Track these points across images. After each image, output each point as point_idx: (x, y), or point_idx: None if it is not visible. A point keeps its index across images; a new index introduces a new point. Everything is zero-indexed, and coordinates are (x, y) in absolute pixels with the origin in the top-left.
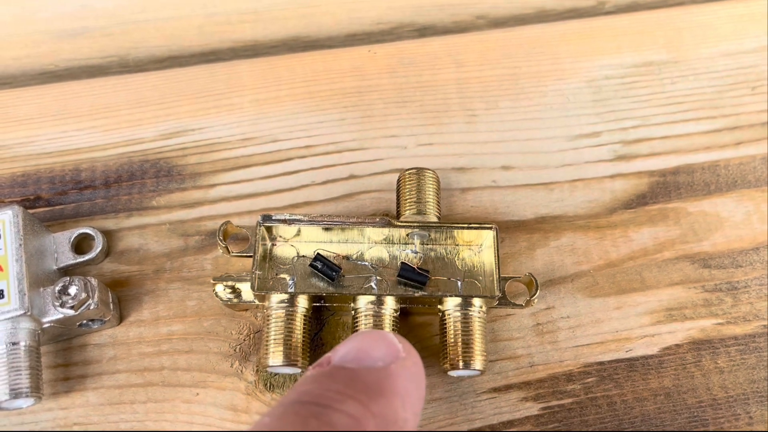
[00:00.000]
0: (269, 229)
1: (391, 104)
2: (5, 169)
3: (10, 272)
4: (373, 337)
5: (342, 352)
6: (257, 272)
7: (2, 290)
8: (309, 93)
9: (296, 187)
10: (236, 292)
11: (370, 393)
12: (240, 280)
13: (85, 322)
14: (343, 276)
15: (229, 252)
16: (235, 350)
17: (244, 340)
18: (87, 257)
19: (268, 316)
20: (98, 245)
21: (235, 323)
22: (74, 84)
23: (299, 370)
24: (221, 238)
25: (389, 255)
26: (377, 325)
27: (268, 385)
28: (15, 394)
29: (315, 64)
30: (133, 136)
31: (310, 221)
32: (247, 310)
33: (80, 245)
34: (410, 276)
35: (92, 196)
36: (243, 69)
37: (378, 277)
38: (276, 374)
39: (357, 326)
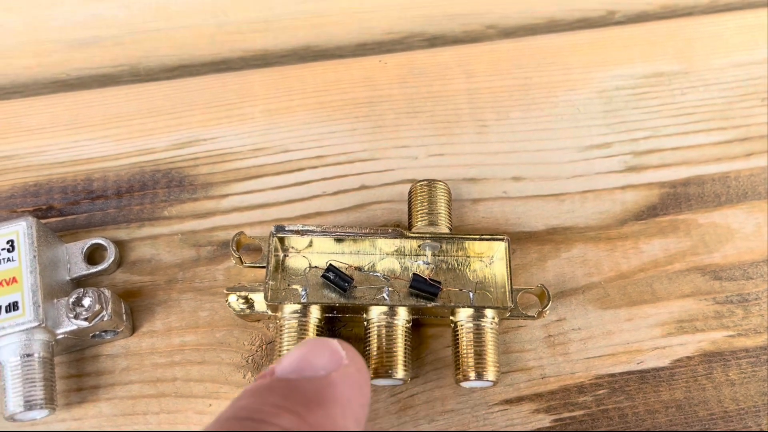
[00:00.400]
0: (282, 240)
1: (402, 114)
2: (18, 178)
3: (25, 284)
4: (316, 345)
5: (285, 363)
6: (270, 283)
7: (17, 302)
8: (320, 103)
9: (307, 197)
10: (249, 302)
11: (309, 404)
12: (253, 290)
13: (98, 333)
14: (355, 287)
15: (242, 262)
16: (247, 361)
17: (257, 351)
18: (99, 268)
19: (281, 327)
20: (111, 256)
21: (247, 334)
22: (86, 93)
23: None
24: (234, 248)
25: (401, 266)
26: (390, 336)
27: None
28: (29, 405)
29: (326, 74)
30: (145, 146)
31: (323, 232)
32: (259, 320)
33: (92, 255)
34: (422, 287)
35: (104, 206)
36: (254, 79)
37: (390, 288)
38: None
39: (369, 337)
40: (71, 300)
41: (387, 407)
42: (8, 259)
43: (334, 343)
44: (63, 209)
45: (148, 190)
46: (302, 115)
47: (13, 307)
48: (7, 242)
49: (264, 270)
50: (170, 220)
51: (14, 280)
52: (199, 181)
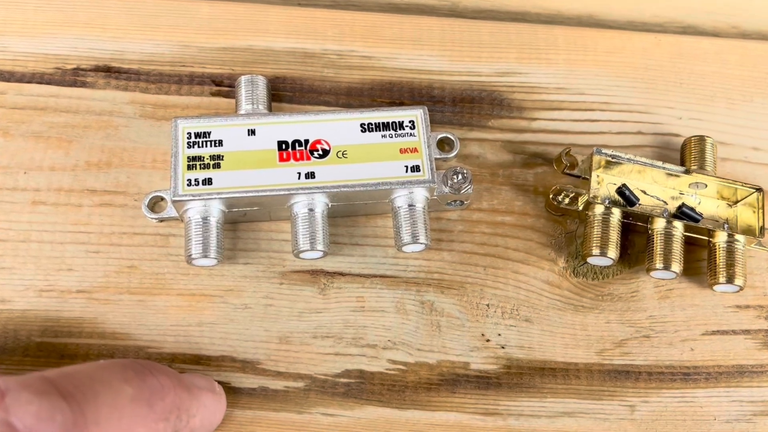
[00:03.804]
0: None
1: (670, 83)
2: (376, 76)
3: (423, 153)
4: (204, 376)
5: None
6: (596, 186)
7: (418, 165)
8: (607, 62)
9: (596, 132)
10: (572, 199)
11: (180, 385)
12: (578, 192)
13: (453, 201)
14: (640, 205)
15: (566, 169)
16: (551, 243)
17: (558, 236)
18: (449, 155)
19: (593, 221)
20: (456, 147)
21: (550, 224)
22: (428, 19)
23: (611, 262)
24: (565, 157)
25: (673, 197)
26: (667, 241)
27: (575, 272)
28: (415, 239)
29: (613, 40)
30: (473, 69)
31: (629, 159)
32: (561, 215)
33: (440, 144)
34: (688, 213)
35: (443, 109)
36: (558, 33)
37: (666, 209)
38: (583, 264)
39: (652, 243)
40: (450, 172)
41: (651, 294)
42: (411, 134)
43: (214, 381)
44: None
45: (475, 104)
46: (594, 68)
47: (415, 168)
48: (409, 121)
49: (568, 178)
50: (492, 129)
51: (415, 150)
52: (515, 104)
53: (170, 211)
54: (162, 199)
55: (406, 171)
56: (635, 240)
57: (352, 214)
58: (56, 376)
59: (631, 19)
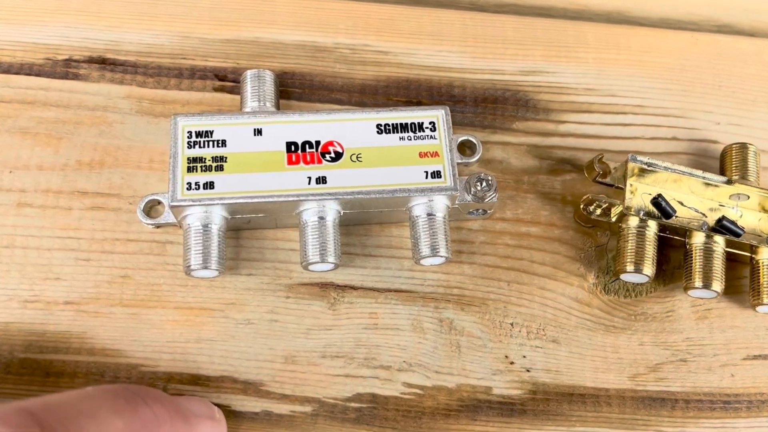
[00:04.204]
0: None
1: (708, 86)
2: (392, 72)
3: (445, 158)
4: (202, 400)
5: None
6: (629, 196)
7: (439, 171)
8: (641, 61)
9: (629, 137)
10: (605, 211)
11: (177, 415)
12: (611, 202)
13: (475, 210)
14: (677, 217)
15: (598, 177)
16: (580, 257)
17: (588, 250)
18: (471, 160)
19: (627, 234)
20: (479, 151)
21: (579, 236)
22: (448, 12)
23: (646, 279)
24: (597, 164)
25: (712, 209)
26: (707, 258)
27: (606, 288)
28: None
29: (647, 38)
30: (496, 67)
31: (666, 168)
32: (592, 226)
33: (460, 147)
34: (729, 227)
35: (463, 110)
36: (587, 30)
37: (705, 222)
38: (614, 281)
39: (691, 259)
40: (473, 179)
41: (688, 314)
42: (431, 137)
43: (214, 407)
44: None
45: (498, 104)
46: (626, 68)
47: (436, 174)
48: (430, 123)
49: (599, 186)
50: (517, 132)
51: (436, 154)
52: (541, 106)
53: (168, 216)
54: (159, 203)
55: (426, 177)
56: (671, 255)
57: (365, 222)
58: (37, 408)
59: (665, 17)
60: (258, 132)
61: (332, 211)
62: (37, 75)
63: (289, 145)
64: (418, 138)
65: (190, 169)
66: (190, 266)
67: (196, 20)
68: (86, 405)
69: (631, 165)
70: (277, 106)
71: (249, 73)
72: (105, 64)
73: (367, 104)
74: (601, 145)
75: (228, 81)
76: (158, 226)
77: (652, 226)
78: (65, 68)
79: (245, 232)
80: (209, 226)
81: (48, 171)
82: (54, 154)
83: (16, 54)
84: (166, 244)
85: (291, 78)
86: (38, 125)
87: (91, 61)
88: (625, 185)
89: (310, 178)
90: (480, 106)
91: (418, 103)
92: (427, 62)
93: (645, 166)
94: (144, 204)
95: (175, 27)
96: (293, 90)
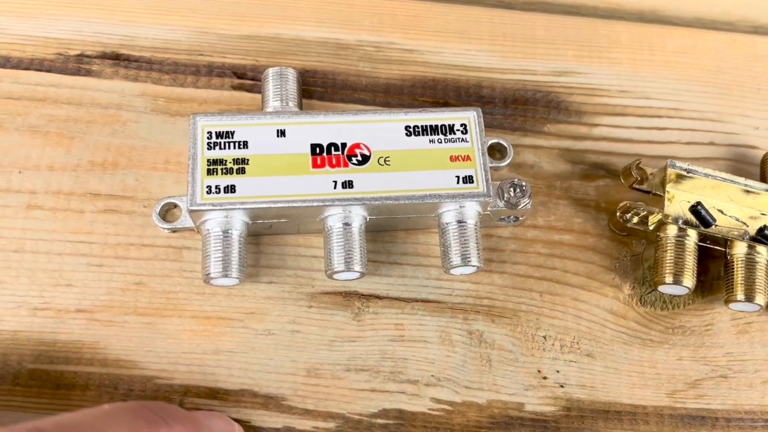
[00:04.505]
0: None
1: (746, 89)
2: (418, 72)
3: (477, 162)
4: (221, 416)
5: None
6: (667, 204)
7: (472, 176)
8: (676, 63)
9: (664, 141)
10: (642, 219)
11: None
12: (650, 210)
13: (506, 217)
14: (717, 226)
15: (635, 183)
16: (615, 266)
17: (623, 259)
18: (501, 164)
19: (665, 243)
20: (509, 155)
21: (614, 245)
22: (475, 9)
23: (686, 291)
24: (635, 170)
25: (752, 217)
26: (749, 269)
27: (642, 300)
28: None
29: (683, 39)
30: (527, 67)
31: (705, 174)
32: (627, 235)
33: (490, 151)
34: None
35: (492, 111)
36: (620, 29)
37: (747, 232)
38: (651, 292)
39: (732, 271)
40: (506, 184)
41: (728, 327)
42: (463, 140)
43: (234, 424)
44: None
45: (529, 106)
46: (661, 70)
47: (468, 179)
48: (461, 125)
49: (635, 193)
50: (548, 135)
51: (468, 158)
52: (573, 108)
53: (185, 220)
54: (175, 206)
55: (458, 182)
56: (709, 265)
57: (390, 228)
58: (51, 429)
59: (699, 16)
60: (281, 133)
61: (358, 216)
62: (48, 71)
63: (314, 147)
64: (449, 141)
65: (210, 172)
66: (209, 274)
67: (215, 15)
68: (103, 426)
69: (669, 171)
70: (300, 106)
71: (271, 71)
72: (119, 60)
73: (391, 104)
74: (636, 149)
75: (247, 79)
76: (174, 231)
77: (692, 235)
78: (77, 64)
79: (265, 237)
80: (230, 231)
81: (59, 172)
82: (65, 154)
83: (26, 48)
84: (183, 250)
85: (313, 76)
86: (49, 123)
87: (104, 56)
88: (664, 192)
89: (335, 182)
90: (510, 108)
91: (445, 103)
92: (455, 61)
93: (684, 173)
94: (160, 207)
95: (192, 22)
96: (315, 89)
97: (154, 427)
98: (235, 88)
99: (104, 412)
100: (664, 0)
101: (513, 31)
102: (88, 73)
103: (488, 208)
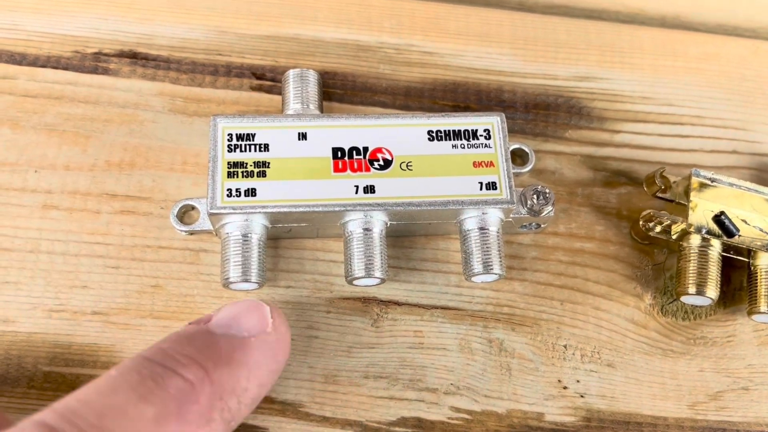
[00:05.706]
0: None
1: None
2: (438, 75)
3: (501, 168)
4: (250, 307)
5: (220, 316)
6: (690, 213)
7: (495, 182)
8: (700, 69)
9: (686, 149)
10: (666, 229)
11: (218, 361)
12: (674, 220)
13: (528, 224)
14: (740, 236)
15: (659, 192)
16: (636, 275)
17: (645, 268)
18: (523, 170)
19: (689, 253)
20: (531, 161)
21: (636, 253)
22: (496, 12)
23: (710, 302)
24: (659, 178)
25: None
26: None
27: (663, 310)
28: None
29: (706, 45)
30: (548, 72)
31: (730, 184)
32: (649, 244)
33: (511, 156)
34: None
35: (513, 116)
36: (642, 35)
37: None
38: (672, 302)
39: (755, 282)
40: (529, 191)
41: (750, 339)
42: (486, 145)
43: (266, 308)
44: (480, 111)
45: (551, 111)
46: (684, 76)
47: (491, 186)
48: (484, 130)
49: (658, 201)
50: (570, 141)
51: (491, 164)
52: (595, 114)
53: (203, 222)
54: (193, 208)
55: (481, 188)
56: (731, 275)
57: (410, 234)
58: (57, 420)
59: (722, 22)
60: (302, 136)
61: (379, 222)
62: (65, 69)
63: (335, 151)
64: (472, 146)
65: (230, 174)
66: (228, 279)
67: (234, 14)
68: (111, 401)
69: (693, 180)
70: (321, 109)
71: (291, 72)
72: (136, 59)
73: (411, 107)
74: (658, 157)
75: (266, 80)
76: (192, 233)
77: (716, 245)
78: (94, 62)
79: (284, 241)
80: (249, 235)
81: (75, 171)
82: (82, 154)
83: (43, 46)
84: (200, 252)
85: (332, 78)
86: (65, 122)
87: (121, 55)
88: (688, 201)
89: (357, 186)
90: (531, 113)
91: (466, 108)
92: (476, 64)
93: (708, 182)
94: (177, 209)
95: (210, 21)
96: (334, 91)
97: (161, 382)
98: (254, 88)
99: (110, 383)
100: (686, 5)
101: (534, 35)
102: (106, 71)
103: (510, 215)
